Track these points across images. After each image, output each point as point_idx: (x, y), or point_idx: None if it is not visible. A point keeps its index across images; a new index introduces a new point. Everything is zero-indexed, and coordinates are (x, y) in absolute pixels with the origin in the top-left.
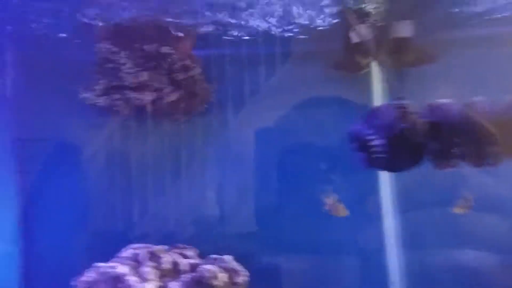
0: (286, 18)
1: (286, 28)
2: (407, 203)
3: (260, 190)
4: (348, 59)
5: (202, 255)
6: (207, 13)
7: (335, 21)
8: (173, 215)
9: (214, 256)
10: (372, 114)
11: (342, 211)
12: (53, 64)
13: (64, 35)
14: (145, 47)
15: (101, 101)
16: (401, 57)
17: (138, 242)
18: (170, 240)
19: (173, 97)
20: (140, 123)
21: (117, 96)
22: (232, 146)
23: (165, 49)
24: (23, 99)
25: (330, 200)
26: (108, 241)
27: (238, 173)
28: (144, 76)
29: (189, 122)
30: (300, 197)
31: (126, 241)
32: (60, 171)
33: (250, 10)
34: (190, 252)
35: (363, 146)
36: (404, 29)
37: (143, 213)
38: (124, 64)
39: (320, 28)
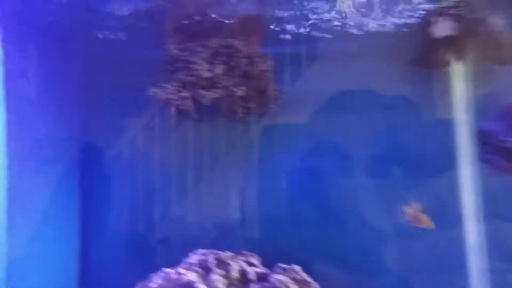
0: (360, 13)
1: (357, 23)
2: (491, 212)
3: (329, 197)
4: (428, 56)
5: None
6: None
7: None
8: (237, 217)
9: (283, 265)
10: (509, 112)
11: (426, 222)
12: (119, 64)
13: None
14: (214, 41)
15: (171, 98)
16: (491, 53)
17: (205, 246)
18: (236, 245)
19: (242, 92)
20: (208, 122)
21: (185, 93)
22: (300, 149)
23: (234, 44)
24: (88, 100)
25: (411, 210)
26: (175, 247)
27: (305, 179)
28: (215, 70)
29: (256, 122)
30: (373, 205)
31: (192, 246)
32: (124, 174)
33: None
34: (254, 260)
35: (499, 149)
36: (496, 22)
37: (212, 216)
38: (192, 60)
39: (397, 22)
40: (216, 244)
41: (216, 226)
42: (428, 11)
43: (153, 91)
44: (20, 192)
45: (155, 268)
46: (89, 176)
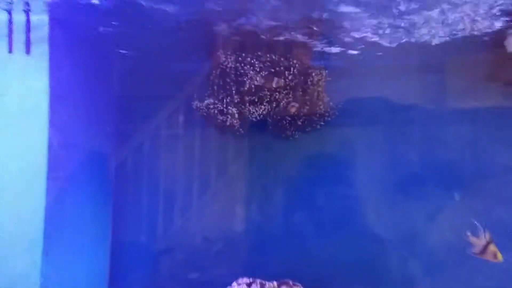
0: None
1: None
2: None
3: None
4: (504, 70)
5: None
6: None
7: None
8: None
9: None
10: None
11: (495, 255)
12: (164, 74)
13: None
14: (265, 55)
15: (215, 111)
16: None
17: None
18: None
19: (294, 108)
20: (253, 137)
21: (232, 108)
22: (353, 165)
23: (286, 58)
24: (125, 115)
25: (479, 241)
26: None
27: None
28: (267, 85)
29: (304, 137)
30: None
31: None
32: (159, 191)
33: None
34: None
35: None
36: None
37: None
38: (243, 73)
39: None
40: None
41: (260, 245)
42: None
43: (197, 104)
44: (57, 208)
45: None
46: (123, 191)
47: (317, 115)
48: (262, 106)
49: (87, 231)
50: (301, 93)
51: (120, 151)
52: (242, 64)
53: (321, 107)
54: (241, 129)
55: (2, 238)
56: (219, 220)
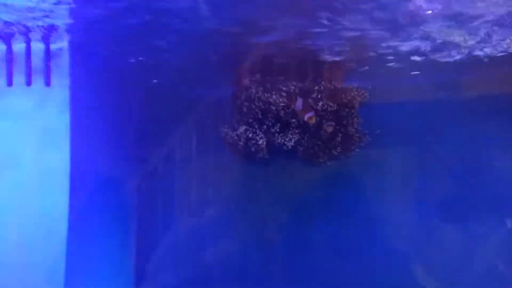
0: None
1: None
2: None
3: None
4: None
5: None
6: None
7: None
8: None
9: None
10: None
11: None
12: (190, 101)
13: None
14: (293, 81)
15: (242, 139)
16: None
17: None
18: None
19: (329, 128)
20: (281, 165)
21: (260, 136)
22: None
23: (316, 82)
24: (147, 139)
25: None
26: None
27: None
28: (299, 112)
29: (336, 166)
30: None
31: None
32: (182, 217)
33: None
34: None
35: None
36: None
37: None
38: (271, 100)
39: None
40: None
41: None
42: None
43: (224, 132)
44: (79, 233)
45: None
46: (146, 217)
47: (349, 142)
48: (294, 134)
49: (109, 263)
50: (337, 118)
51: (146, 175)
52: (269, 91)
53: (354, 133)
54: (266, 156)
55: None
56: (241, 247)
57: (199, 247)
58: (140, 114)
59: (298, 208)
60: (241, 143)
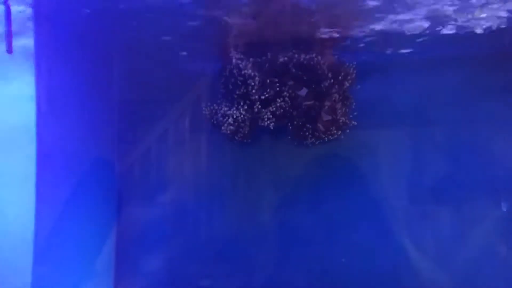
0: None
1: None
2: None
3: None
4: None
5: None
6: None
7: None
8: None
9: None
10: None
11: None
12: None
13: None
14: (283, 57)
15: (227, 117)
16: None
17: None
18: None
19: (321, 114)
20: (266, 146)
21: (244, 114)
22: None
23: (308, 58)
24: (125, 120)
25: None
26: None
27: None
28: (286, 90)
29: (324, 145)
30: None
31: None
32: (164, 199)
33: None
34: None
35: None
36: None
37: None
38: (255, 76)
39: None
40: None
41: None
42: None
43: (207, 110)
44: (49, 215)
45: None
46: (126, 199)
47: (339, 121)
48: (277, 112)
49: (91, 239)
50: (328, 96)
51: (125, 156)
52: (255, 67)
53: (345, 111)
54: (253, 137)
55: None
56: (226, 228)
57: (182, 229)
58: (120, 88)
59: (285, 188)
60: (225, 120)
